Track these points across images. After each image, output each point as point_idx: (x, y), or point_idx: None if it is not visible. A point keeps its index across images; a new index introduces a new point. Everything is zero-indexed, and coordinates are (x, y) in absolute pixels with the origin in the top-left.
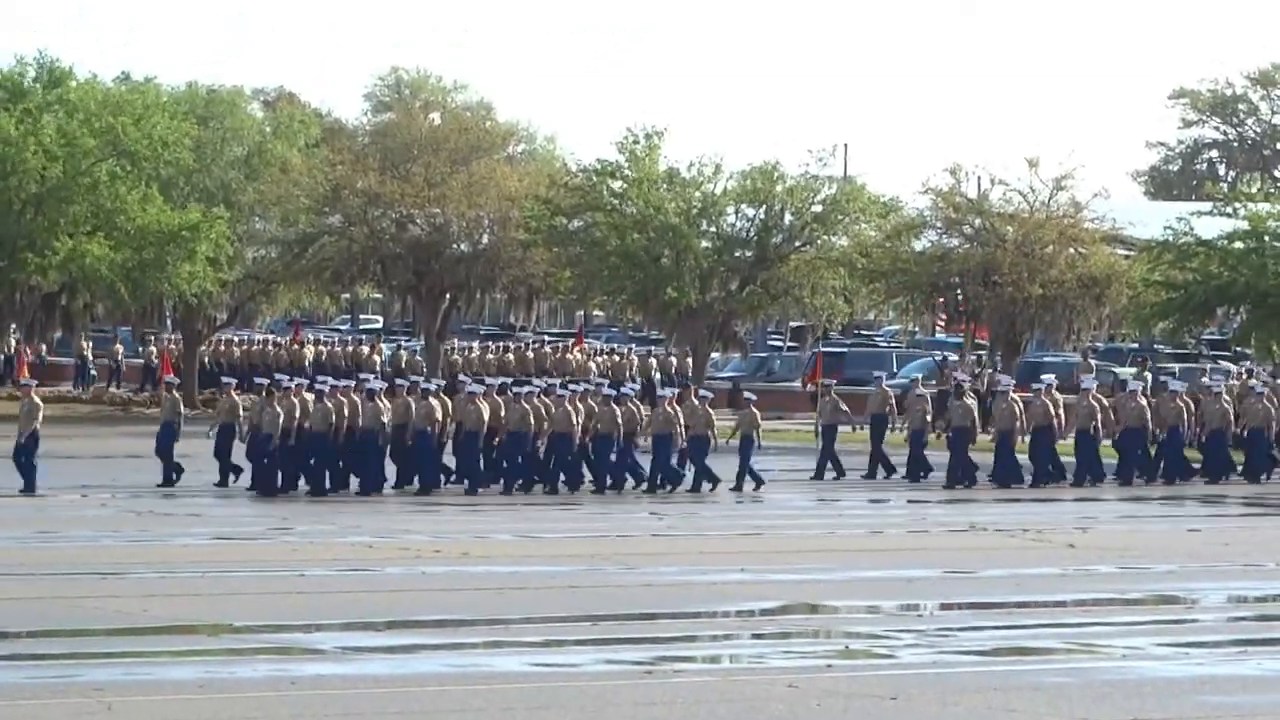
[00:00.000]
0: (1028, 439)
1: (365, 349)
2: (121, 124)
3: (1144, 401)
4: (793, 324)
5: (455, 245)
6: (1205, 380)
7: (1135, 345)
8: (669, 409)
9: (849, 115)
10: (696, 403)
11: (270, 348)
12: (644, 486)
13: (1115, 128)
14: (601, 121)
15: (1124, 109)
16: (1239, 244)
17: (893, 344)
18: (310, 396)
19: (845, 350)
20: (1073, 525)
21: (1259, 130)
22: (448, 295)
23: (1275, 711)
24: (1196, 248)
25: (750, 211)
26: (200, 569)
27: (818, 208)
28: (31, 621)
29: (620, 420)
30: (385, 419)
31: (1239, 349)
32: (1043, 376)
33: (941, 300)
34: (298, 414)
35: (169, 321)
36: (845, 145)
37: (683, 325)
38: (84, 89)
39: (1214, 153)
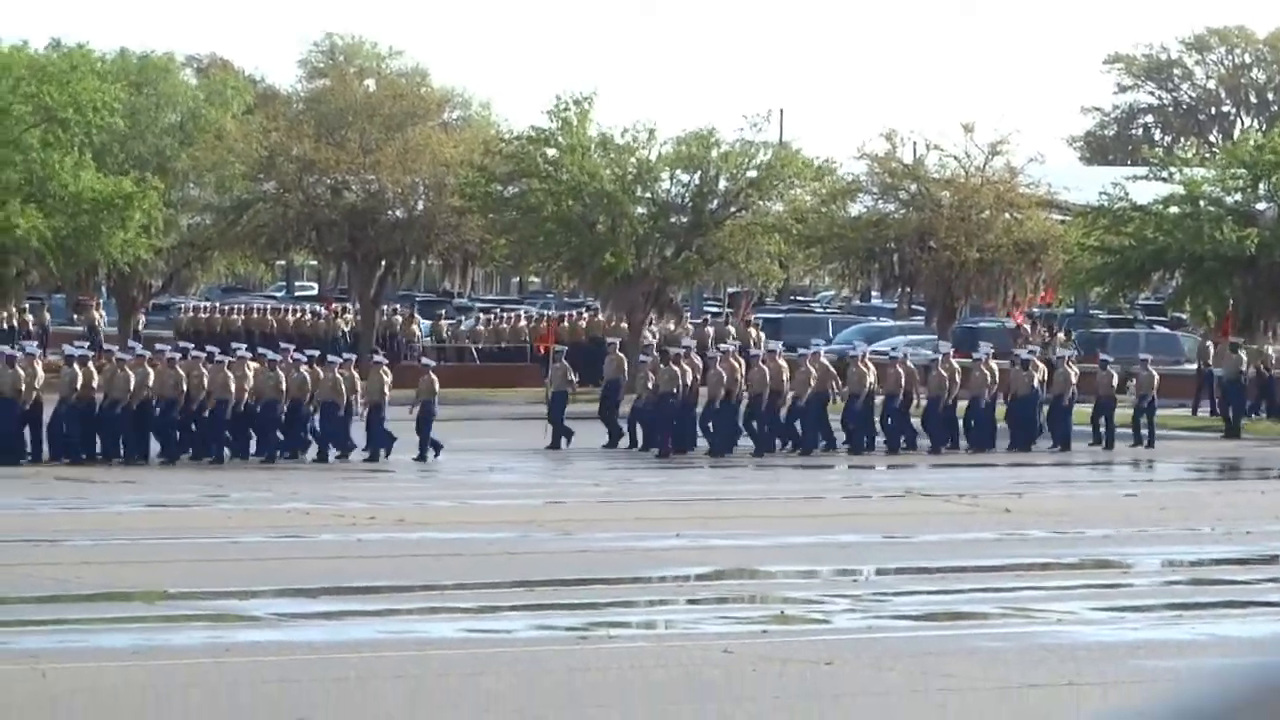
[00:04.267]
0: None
1: (399, 319)
2: (47, 90)
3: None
4: (729, 290)
5: (390, 212)
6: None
7: (1070, 311)
8: (339, 375)
9: (783, 80)
10: (372, 369)
11: (309, 317)
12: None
13: (1050, 92)
14: (536, 86)
15: (1059, 74)
16: (1174, 209)
17: (829, 309)
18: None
19: (782, 316)
20: (1009, 490)
21: (1194, 95)
22: (383, 262)
23: None
24: (1132, 212)
25: (685, 177)
26: (135, 536)
27: (753, 173)
28: None
29: (285, 386)
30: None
31: (1175, 313)
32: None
33: (877, 266)
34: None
35: (104, 289)
36: (780, 110)
37: (619, 292)
38: (11, 55)
39: (1149, 117)
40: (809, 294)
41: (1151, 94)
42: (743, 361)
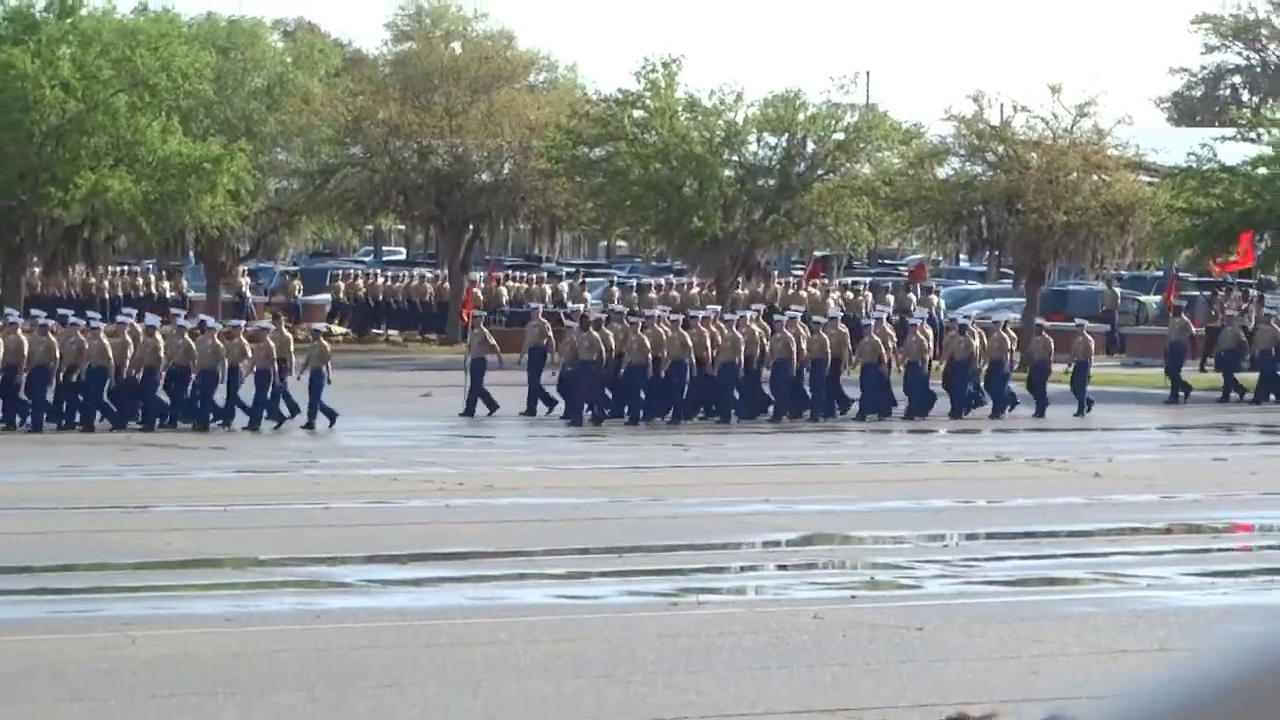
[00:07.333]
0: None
1: (547, 286)
2: (139, 55)
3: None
4: (816, 253)
5: (476, 175)
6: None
7: (1159, 273)
8: (217, 342)
9: (870, 42)
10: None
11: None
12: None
13: (1137, 53)
14: (622, 49)
15: (1146, 35)
16: (1263, 170)
17: None
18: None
19: (871, 279)
20: (1099, 454)
21: None
22: (470, 226)
23: None
24: (1220, 174)
25: (772, 140)
26: (223, 503)
27: (840, 135)
28: (55, 556)
29: (163, 354)
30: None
31: (1264, 275)
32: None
33: (965, 229)
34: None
35: (191, 254)
36: (867, 72)
37: (706, 255)
38: (97, 20)
39: (1237, 78)
40: (897, 257)
41: (1239, 54)
42: (666, 328)
